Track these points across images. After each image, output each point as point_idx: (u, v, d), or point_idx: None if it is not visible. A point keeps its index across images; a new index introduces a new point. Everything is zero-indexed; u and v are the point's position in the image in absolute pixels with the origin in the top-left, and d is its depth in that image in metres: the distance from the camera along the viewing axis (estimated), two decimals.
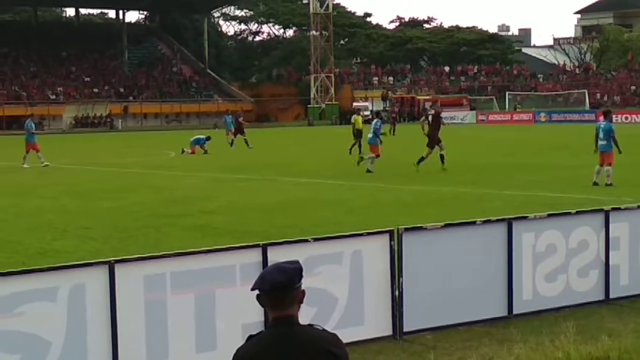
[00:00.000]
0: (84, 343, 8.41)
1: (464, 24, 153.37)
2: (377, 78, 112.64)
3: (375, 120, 32.81)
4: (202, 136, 44.84)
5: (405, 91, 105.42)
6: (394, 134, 59.36)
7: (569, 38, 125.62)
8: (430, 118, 31.25)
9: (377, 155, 30.59)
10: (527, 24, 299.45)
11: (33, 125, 38.18)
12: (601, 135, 24.31)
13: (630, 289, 11.58)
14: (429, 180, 26.97)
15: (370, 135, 31.32)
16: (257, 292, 4.26)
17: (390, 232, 10.06)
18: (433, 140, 30.12)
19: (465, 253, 10.51)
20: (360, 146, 37.96)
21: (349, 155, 37.56)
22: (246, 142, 46.71)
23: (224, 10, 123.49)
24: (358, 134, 38.81)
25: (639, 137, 35.60)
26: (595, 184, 23.70)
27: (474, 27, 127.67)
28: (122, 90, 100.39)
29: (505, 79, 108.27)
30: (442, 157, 29.99)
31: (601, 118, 27.97)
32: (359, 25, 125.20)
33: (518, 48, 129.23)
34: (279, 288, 4.20)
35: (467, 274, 10.52)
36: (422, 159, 29.87)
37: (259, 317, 8.52)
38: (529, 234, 10.87)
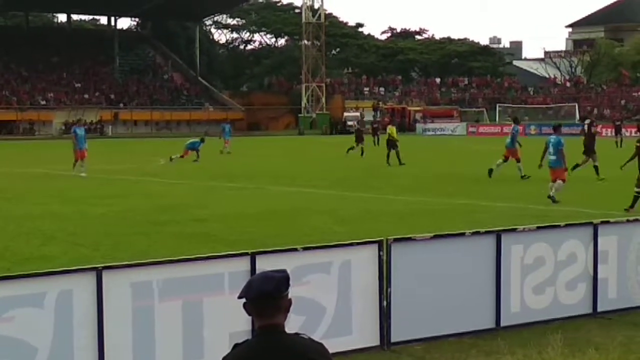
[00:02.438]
0: (70, 349, 8.38)
1: (455, 35, 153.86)
2: (368, 88, 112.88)
3: (513, 126, 32.73)
4: (196, 140, 44.60)
5: (396, 102, 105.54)
6: (377, 144, 59.33)
7: (560, 51, 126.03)
8: (586, 128, 31.68)
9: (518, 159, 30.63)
10: (518, 36, 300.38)
11: (83, 131, 36.25)
12: (551, 149, 23.63)
13: (618, 302, 11.59)
14: (419, 191, 27.00)
15: (507, 140, 31.27)
16: (244, 300, 4.26)
17: (379, 243, 10.06)
18: (588, 149, 30.33)
19: (453, 264, 10.50)
20: (398, 155, 38.38)
21: (387, 166, 38.13)
22: (361, 152, 46.04)
23: (216, 19, 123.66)
24: (391, 144, 39.14)
25: (629, 150, 35.63)
26: (554, 201, 22.89)
27: (465, 39, 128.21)
28: (112, 96, 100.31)
29: (496, 91, 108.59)
30: (596, 168, 29.81)
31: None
32: (350, 35, 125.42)
33: (509, 61, 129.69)
34: (266, 296, 4.18)
35: (455, 285, 10.52)
36: (577, 165, 30.05)
37: (247, 326, 8.49)
38: (518, 246, 10.87)
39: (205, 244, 16.24)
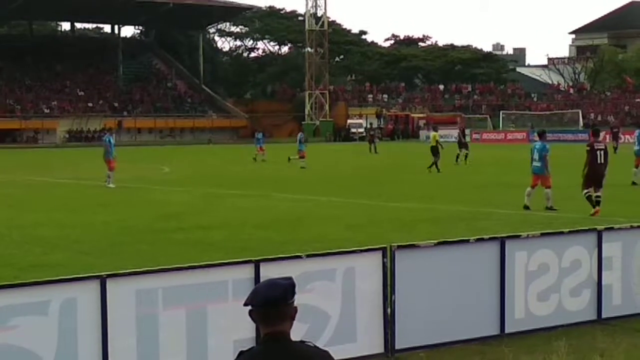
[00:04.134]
0: (75, 357, 8.38)
1: (458, 42, 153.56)
2: (371, 95, 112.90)
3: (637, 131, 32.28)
4: (301, 134, 45.85)
5: (400, 109, 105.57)
6: (375, 152, 59.20)
7: (564, 58, 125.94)
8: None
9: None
10: (521, 43, 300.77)
11: (112, 140, 35.54)
12: (535, 156, 23.69)
13: (623, 308, 11.57)
14: (424, 198, 26.98)
15: (636, 147, 30.94)
16: (249, 307, 4.25)
17: (384, 250, 10.05)
18: None
19: (458, 271, 10.49)
20: (437, 163, 38.20)
21: (429, 173, 37.96)
22: (465, 157, 44.64)
23: (219, 26, 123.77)
24: (435, 151, 39.04)
25: (626, 157, 35.70)
26: (526, 207, 23.10)
27: (468, 46, 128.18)
28: (116, 104, 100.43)
29: (500, 98, 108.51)
30: None
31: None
32: (354, 42, 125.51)
33: (512, 67, 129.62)
34: (272, 303, 4.18)
35: (459, 292, 10.50)
36: None
37: (251, 333, 8.49)
38: (522, 252, 10.86)
39: (209, 252, 16.22)
